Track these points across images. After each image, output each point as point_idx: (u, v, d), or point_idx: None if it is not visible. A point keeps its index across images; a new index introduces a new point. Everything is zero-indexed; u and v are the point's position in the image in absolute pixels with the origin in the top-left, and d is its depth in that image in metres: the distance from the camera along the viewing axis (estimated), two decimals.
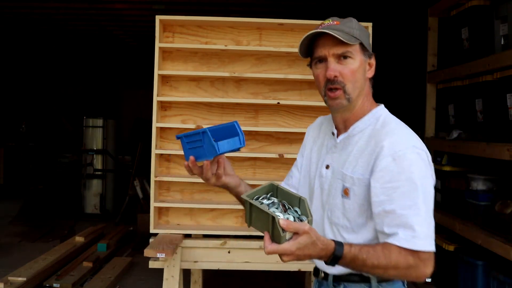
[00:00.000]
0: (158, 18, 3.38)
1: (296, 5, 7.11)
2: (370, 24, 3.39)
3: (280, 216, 1.29)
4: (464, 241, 4.20)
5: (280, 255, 1.30)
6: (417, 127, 5.43)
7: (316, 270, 1.66)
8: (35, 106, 11.80)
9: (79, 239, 5.65)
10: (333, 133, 1.62)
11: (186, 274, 3.97)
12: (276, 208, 1.35)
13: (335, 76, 1.49)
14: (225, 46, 3.43)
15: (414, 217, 1.39)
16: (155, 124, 3.38)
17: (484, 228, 3.77)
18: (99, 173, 7.90)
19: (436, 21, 4.87)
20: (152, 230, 3.40)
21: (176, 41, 3.53)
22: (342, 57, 1.50)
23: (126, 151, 9.77)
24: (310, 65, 1.59)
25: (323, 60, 1.52)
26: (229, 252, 3.37)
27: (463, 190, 4.19)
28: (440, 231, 4.69)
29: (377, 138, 1.48)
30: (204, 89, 3.57)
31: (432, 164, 1.49)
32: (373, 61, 1.57)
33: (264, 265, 3.40)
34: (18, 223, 7.16)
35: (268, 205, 1.35)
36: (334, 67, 1.49)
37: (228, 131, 1.60)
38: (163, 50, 3.50)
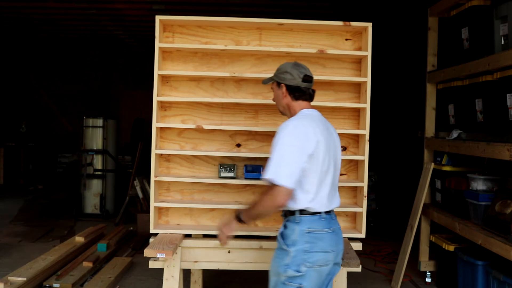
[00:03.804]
0: (158, 18, 3.38)
1: (296, 5, 7.11)
2: (370, 24, 3.38)
3: None
4: (464, 241, 4.20)
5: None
6: (417, 127, 5.45)
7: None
8: (35, 106, 11.80)
9: (79, 239, 5.65)
10: None
11: (186, 274, 3.97)
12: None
13: (273, 99, 2.78)
14: (225, 46, 3.43)
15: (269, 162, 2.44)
16: (155, 124, 3.38)
17: (484, 228, 3.77)
18: (99, 173, 7.90)
19: (436, 21, 4.86)
20: (152, 230, 3.40)
21: (176, 41, 3.53)
22: (272, 91, 2.75)
23: (125, 151, 9.77)
24: None
25: None
26: (229, 252, 3.38)
27: (463, 190, 4.19)
28: (440, 231, 4.70)
29: None
30: (204, 89, 3.57)
31: (308, 135, 2.43)
32: (282, 85, 2.62)
33: (264, 265, 3.40)
34: (18, 223, 7.16)
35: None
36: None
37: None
38: (163, 50, 3.50)
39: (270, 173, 2.39)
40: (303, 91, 2.61)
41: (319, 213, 2.48)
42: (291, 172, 2.38)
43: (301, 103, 2.63)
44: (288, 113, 2.67)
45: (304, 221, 2.46)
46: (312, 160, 2.43)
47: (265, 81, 2.78)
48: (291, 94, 2.61)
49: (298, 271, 2.43)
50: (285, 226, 2.53)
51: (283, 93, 2.63)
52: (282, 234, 2.51)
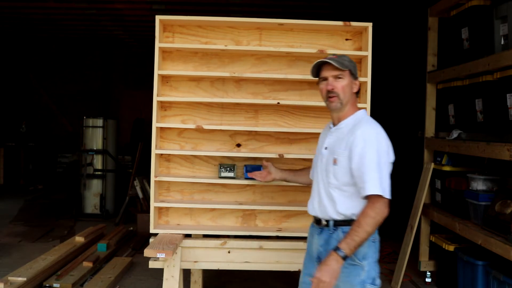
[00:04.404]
0: (158, 18, 3.38)
1: (296, 5, 7.11)
2: (370, 24, 3.38)
3: None
4: (464, 241, 4.20)
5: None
6: (417, 127, 5.45)
7: (318, 219, 2.47)
8: (35, 106, 11.80)
9: (79, 239, 5.65)
10: (330, 127, 2.54)
11: (186, 274, 3.97)
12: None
13: (332, 88, 2.41)
14: (225, 46, 3.43)
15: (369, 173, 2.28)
16: (155, 124, 3.38)
17: (484, 228, 3.77)
18: (99, 173, 7.90)
19: (436, 21, 4.86)
20: (152, 230, 3.40)
21: (176, 41, 3.53)
22: (337, 77, 2.40)
23: (125, 151, 9.77)
24: (318, 83, 2.52)
25: (325, 79, 2.43)
26: (229, 252, 3.38)
27: (463, 190, 4.19)
28: (440, 231, 4.70)
29: (353, 130, 2.36)
30: (204, 89, 3.57)
31: (389, 143, 2.41)
32: (357, 82, 2.49)
33: (264, 265, 3.41)
34: (18, 223, 7.16)
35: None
36: (332, 83, 2.41)
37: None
38: (163, 50, 3.50)
39: (378, 188, 2.24)
40: None
41: None
42: (388, 183, 2.31)
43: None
44: (345, 107, 2.42)
45: None
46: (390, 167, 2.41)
47: (341, 66, 2.40)
48: (358, 93, 2.51)
49: (375, 284, 2.36)
50: None
51: (355, 83, 2.46)
52: None
